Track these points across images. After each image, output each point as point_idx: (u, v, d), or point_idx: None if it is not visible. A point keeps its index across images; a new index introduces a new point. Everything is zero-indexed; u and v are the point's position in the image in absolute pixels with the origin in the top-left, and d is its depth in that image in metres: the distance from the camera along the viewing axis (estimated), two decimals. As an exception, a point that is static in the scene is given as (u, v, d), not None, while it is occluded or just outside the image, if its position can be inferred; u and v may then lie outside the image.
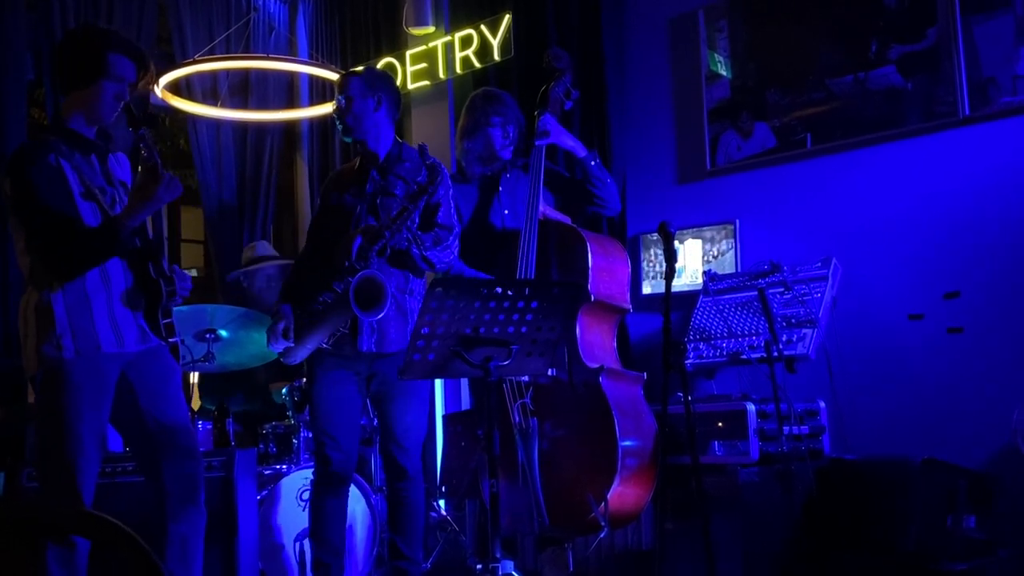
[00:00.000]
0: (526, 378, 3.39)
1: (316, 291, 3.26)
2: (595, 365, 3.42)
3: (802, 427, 3.46)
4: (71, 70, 2.89)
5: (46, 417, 2.79)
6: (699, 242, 4.36)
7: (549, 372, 3.21)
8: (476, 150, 3.81)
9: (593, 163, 3.78)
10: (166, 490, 2.88)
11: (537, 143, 3.70)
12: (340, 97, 3.38)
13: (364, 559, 3.97)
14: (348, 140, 3.44)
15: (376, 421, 3.69)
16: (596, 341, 3.55)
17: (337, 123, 3.42)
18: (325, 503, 3.36)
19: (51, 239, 2.75)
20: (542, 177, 3.65)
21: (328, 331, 3.26)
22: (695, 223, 4.37)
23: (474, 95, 3.97)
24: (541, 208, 3.62)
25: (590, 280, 3.49)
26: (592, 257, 3.52)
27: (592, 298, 3.48)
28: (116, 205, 2.88)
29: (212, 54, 5.68)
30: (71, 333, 2.77)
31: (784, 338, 3.56)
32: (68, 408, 2.75)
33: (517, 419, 3.33)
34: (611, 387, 3.39)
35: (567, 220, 3.73)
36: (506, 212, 3.81)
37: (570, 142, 3.81)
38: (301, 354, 3.33)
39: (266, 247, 5.05)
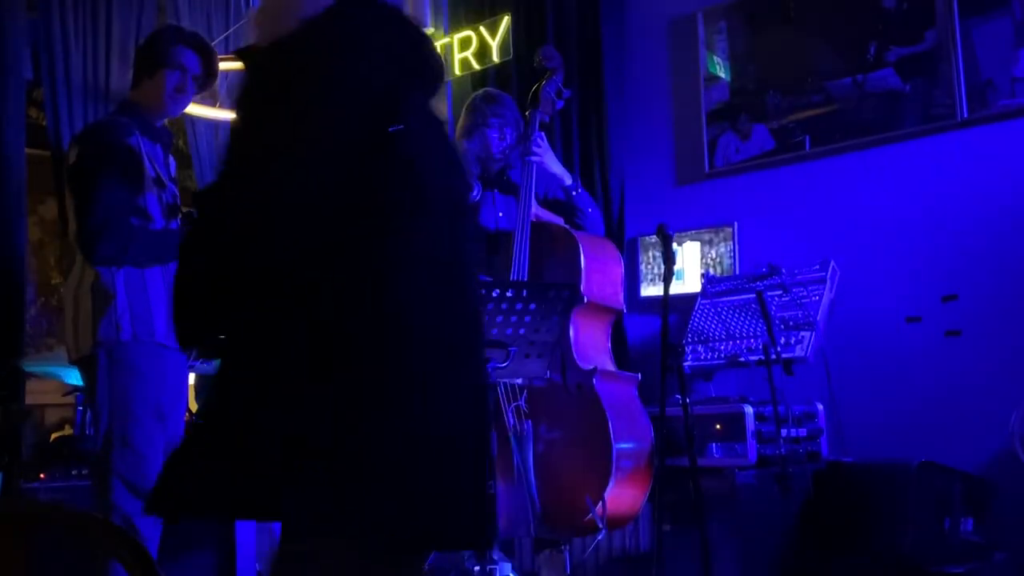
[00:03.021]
0: (520, 380, 3.38)
1: None
2: (589, 367, 3.41)
3: (800, 430, 3.45)
4: (139, 60, 2.92)
5: (110, 400, 2.67)
6: (697, 244, 4.36)
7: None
8: (474, 150, 3.81)
9: (575, 193, 3.77)
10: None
11: (528, 159, 3.67)
12: None
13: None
14: None
15: None
16: (589, 342, 3.55)
17: None
18: None
19: (101, 223, 2.66)
20: (534, 179, 3.65)
21: None
22: (694, 225, 4.37)
23: (475, 95, 3.96)
24: (533, 210, 3.62)
25: (583, 281, 3.48)
26: (584, 258, 3.51)
27: (585, 299, 3.47)
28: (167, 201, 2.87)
29: (211, 54, 5.68)
30: (130, 316, 2.69)
31: (782, 340, 3.56)
32: (130, 390, 2.66)
33: (511, 422, 3.32)
34: (605, 389, 3.38)
35: (560, 221, 3.73)
36: (500, 214, 3.81)
37: (556, 168, 3.77)
38: None
39: None
